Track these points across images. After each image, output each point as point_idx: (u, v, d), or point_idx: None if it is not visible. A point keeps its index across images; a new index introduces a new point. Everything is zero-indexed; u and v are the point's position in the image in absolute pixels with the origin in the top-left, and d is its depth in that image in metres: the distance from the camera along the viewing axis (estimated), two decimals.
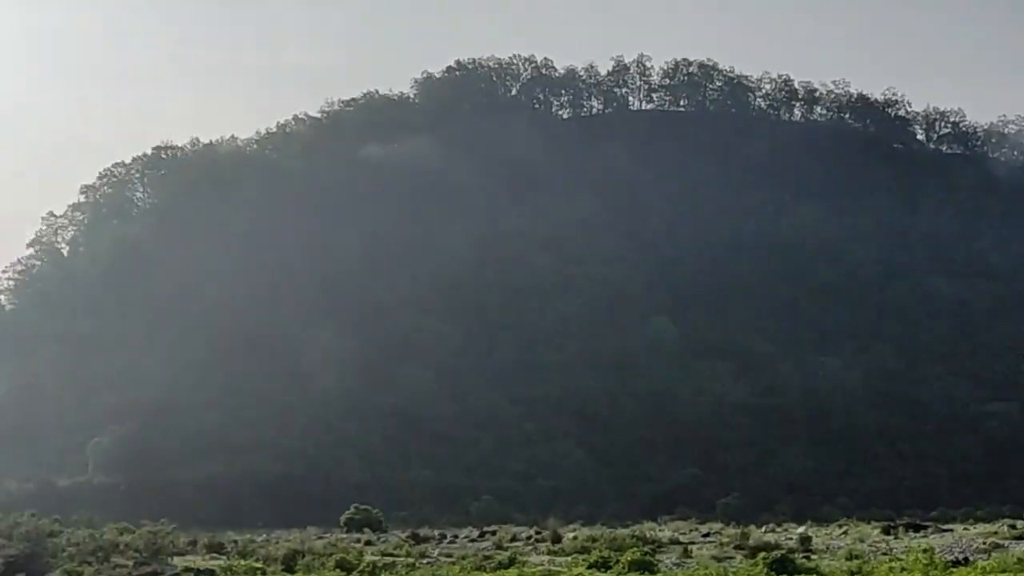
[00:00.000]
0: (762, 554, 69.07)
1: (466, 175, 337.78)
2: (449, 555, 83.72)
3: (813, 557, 74.71)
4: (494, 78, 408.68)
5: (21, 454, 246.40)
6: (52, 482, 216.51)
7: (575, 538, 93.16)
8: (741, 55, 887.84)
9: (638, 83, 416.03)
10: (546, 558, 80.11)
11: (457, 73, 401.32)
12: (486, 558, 76.83)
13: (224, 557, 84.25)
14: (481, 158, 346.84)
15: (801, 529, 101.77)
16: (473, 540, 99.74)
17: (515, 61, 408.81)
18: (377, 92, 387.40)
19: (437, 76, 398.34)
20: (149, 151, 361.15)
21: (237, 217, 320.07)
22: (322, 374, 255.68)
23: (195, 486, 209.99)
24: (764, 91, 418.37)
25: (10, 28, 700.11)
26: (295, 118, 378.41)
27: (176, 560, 79.81)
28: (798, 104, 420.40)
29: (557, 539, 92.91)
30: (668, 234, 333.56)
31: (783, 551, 71.66)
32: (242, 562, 74.71)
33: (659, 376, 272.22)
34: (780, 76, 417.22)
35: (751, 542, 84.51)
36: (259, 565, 72.91)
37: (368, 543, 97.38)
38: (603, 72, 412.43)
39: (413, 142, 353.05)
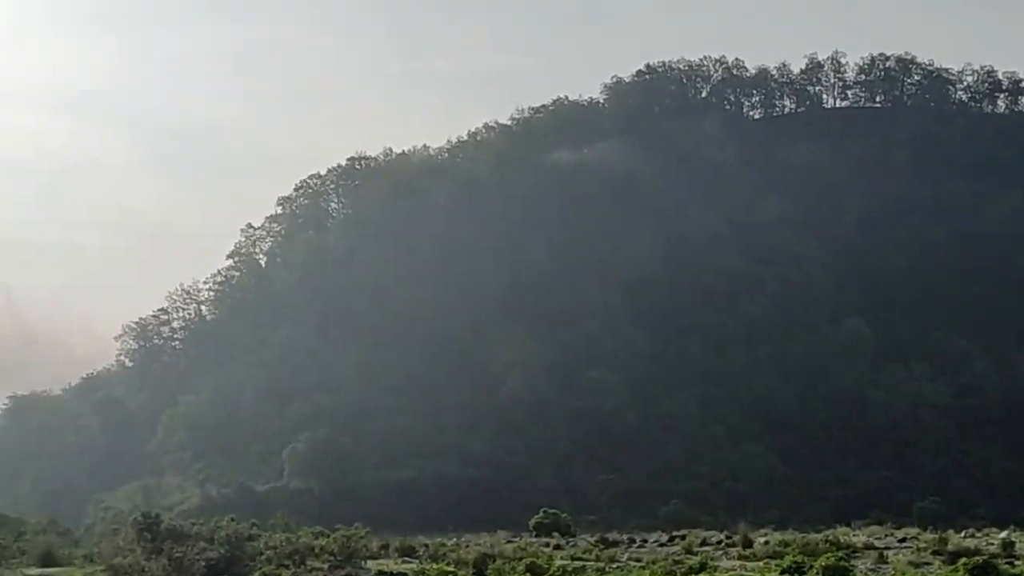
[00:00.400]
0: (962, 560, 67.01)
1: (655, 178, 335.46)
2: (638, 559, 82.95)
3: (1017, 563, 72.25)
4: (684, 80, 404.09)
5: (221, 460, 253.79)
6: (250, 487, 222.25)
7: (766, 543, 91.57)
8: (941, 48, 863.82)
9: (832, 80, 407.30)
10: (737, 563, 78.98)
11: (647, 77, 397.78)
12: (676, 562, 75.95)
13: (416, 561, 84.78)
14: (671, 161, 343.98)
15: (1003, 534, 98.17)
16: (662, 544, 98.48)
17: (705, 63, 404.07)
18: (567, 98, 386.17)
19: (627, 80, 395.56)
20: (343, 162, 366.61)
21: (428, 225, 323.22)
22: (511, 378, 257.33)
23: (386, 490, 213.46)
24: (965, 83, 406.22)
25: (207, 47, 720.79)
26: (485, 126, 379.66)
27: (369, 564, 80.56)
28: (1002, 96, 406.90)
29: (748, 544, 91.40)
30: (861, 233, 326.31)
31: (984, 557, 69.41)
32: (434, 566, 75.12)
33: (851, 377, 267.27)
34: (983, 67, 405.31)
35: (950, 547, 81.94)
36: (450, 569, 73.21)
37: (557, 547, 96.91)
38: (796, 70, 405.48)
39: (602, 147, 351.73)
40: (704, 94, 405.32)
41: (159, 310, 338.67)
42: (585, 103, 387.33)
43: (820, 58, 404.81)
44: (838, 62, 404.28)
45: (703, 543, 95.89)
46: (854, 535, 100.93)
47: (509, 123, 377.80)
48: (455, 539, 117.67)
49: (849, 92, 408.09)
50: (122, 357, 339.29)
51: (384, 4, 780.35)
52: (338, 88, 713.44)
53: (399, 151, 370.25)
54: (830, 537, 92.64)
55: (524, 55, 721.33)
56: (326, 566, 77.02)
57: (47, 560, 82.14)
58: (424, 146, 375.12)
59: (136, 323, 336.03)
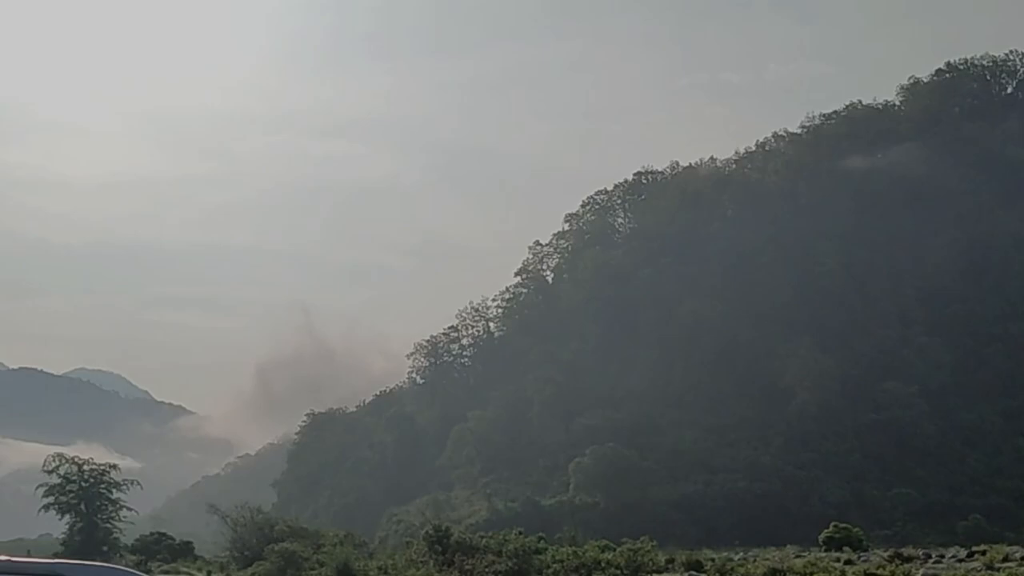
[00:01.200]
0: None
1: (955, 181, 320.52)
2: (936, 575, 78.65)
3: None
4: (988, 77, 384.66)
5: (508, 474, 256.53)
6: (536, 501, 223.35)
7: None
8: None
9: None
10: None
11: (947, 75, 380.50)
12: None
13: (703, 575, 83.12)
14: (971, 162, 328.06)
15: None
16: (961, 560, 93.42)
17: (1012, 57, 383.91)
18: (860, 102, 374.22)
19: (924, 80, 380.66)
20: (630, 177, 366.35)
21: (715, 236, 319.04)
22: (800, 391, 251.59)
23: (672, 504, 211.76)
24: None
25: (495, 69, 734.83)
26: (774, 135, 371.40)
27: None
28: None
29: None
30: None
31: None
32: None
33: None
34: None
35: None
36: None
37: (848, 562, 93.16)
38: None
39: (898, 150, 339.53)
40: (1009, 90, 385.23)
41: (449, 328, 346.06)
42: (879, 106, 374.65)
43: None
44: None
45: (1005, 559, 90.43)
46: None
47: (799, 131, 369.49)
48: (742, 553, 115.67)
49: None
50: (414, 374, 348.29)
51: (671, 18, 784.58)
52: (626, 104, 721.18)
53: (686, 164, 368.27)
54: None
55: (815, 62, 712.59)
56: None
57: (344, 571, 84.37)
58: (711, 158, 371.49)
59: (427, 341, 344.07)
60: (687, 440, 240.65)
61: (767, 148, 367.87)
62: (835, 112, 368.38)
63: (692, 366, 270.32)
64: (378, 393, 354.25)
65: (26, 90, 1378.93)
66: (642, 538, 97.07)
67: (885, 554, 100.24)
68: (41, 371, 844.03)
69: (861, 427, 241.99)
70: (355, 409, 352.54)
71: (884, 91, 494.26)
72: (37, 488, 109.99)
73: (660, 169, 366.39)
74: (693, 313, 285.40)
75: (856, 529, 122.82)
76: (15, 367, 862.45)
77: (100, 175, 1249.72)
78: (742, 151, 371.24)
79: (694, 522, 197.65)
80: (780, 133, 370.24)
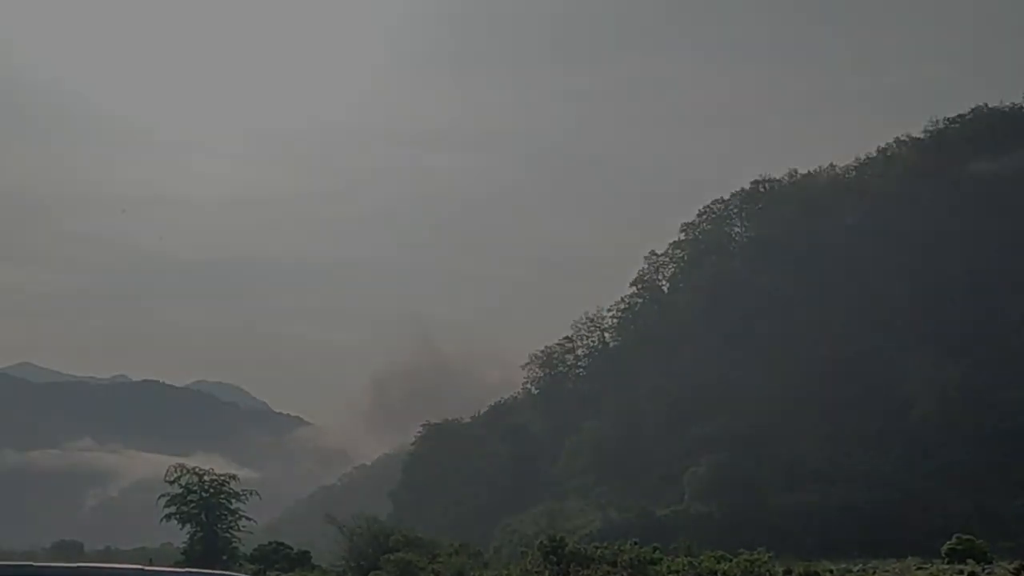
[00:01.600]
0: None
1: None
2: None
3: None
4: None
5: (622, 484, 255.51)
6: (650, 511, 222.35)
7: None
8: None
9: None
10: None
11: None
12: None
13: None
14: None
15: None
16: None
17: None
18: (986, 106, 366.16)
19: None
20: (747, 186, 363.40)
21: (834, 244, 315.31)
22: (920, 400, 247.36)
23: (789, 514, 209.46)
24: None
25: (608, 80, 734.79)
26: (896, 140, 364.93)
27: None
28: None
29: None
30: None
31: None
32: None
33: None
34: None
35: None
36: None
37: (972, 574, 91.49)
38: None
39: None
40: None
41: (564, 338, 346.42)
42: (1007, 109, 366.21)
43: None
44: None
45: None
46: None
47: (922, 136, 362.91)
48: (862, 565, 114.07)
49: None
50: (528, 385, 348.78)
51: (788, 23, 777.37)
52: (743, 111, 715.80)
53: (804, 171, 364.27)
54: None
55: (939, 65, 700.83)
56: None
57: None
58: (831, 165, 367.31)
59: (542, 351, 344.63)
60: (804, 449, 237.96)
61: (889, 154, 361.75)
62: (960, 116, 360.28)
63: (810, 374, 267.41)
64: (493, 403, 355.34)
65: (147, 110, 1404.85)
66: (758, 549, 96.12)
67: (1010, 567, 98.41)
68: (163, 383, 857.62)
69: (984, 436, 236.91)
70: (470, 420, 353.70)
71: (1011, 93, 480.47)
72: (159, 498, 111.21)
73: (778, 177, 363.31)
74: (811, 321, 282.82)
75: (980, 541, 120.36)
76: (138, 379, 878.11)
77: (220, 191, 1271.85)
78: (863, 157, 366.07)
79: (811, 532, 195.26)
80: (902, 138, 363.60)
